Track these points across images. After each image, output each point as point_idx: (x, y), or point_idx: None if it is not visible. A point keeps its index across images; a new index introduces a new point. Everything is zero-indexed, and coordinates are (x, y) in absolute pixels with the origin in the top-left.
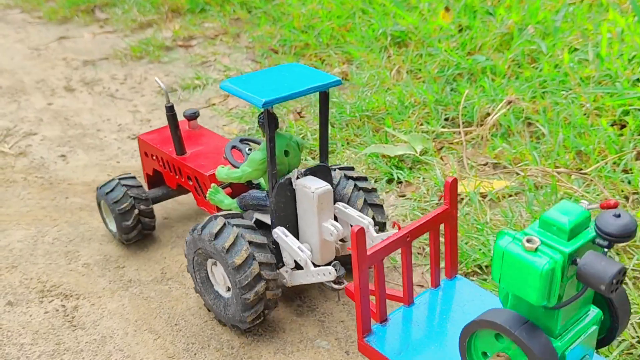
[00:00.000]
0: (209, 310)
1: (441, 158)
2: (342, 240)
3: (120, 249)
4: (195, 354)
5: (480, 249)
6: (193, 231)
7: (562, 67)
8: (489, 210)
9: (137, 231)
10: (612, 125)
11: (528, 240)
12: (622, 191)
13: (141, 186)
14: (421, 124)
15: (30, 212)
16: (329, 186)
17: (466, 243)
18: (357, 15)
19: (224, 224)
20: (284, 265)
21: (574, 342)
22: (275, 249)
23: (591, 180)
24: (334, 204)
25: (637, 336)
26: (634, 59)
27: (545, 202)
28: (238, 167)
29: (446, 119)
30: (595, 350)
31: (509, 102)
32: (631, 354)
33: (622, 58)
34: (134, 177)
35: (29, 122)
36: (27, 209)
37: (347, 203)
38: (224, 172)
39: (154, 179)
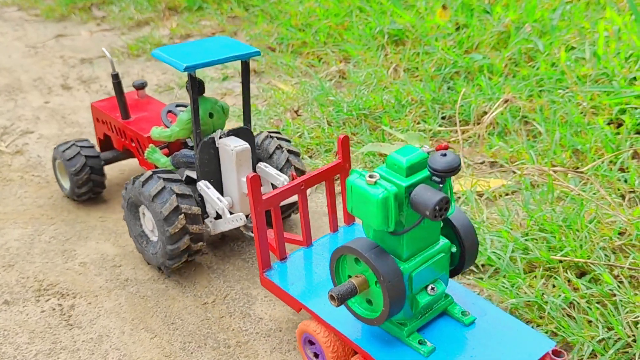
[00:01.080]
0: (140, 252)
1: None
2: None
3: (117, 248)
4: (191, 353)
5: None
6: (127, 184)
7: (559, 65)
8: (485, 209)
9: (87, 188)
10: (608, 123)
11: (370, 176)
12: (619, 190)
13: (93, 147)
14: (418, 123)
15: (27, 211)
16: (248, 145)
17: None
18: (355, 13)
19: (151, 175)
20: (208, 216)
21: (421, 266)
22: (201, 201)
23: (588, 179)
24: (257, 163)
25: (633, 335)
26: (630, 57)
27: (542, 200)
28: None
29: (443, 118)
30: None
31: (506, 101)
32: (627, 352)
33: (619, 56)
34: (87, 140)
35: (25, 121)
36: (23, 208)
37: (270, 159)
38: (157, 132)
39: (105, 143)
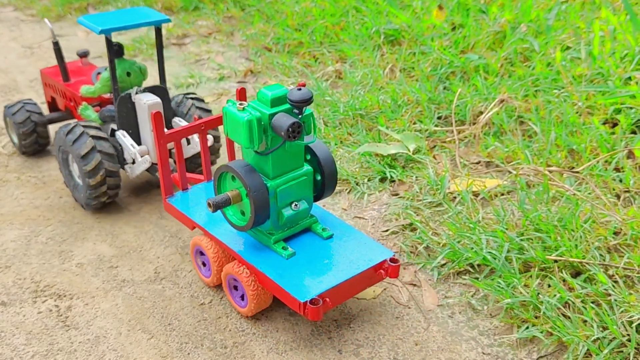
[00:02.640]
0: (73, 197)
1: (434, 157)
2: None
3: (114, 249)
4: (188, 354)
5: (472, 248)
6: (56, 132)
7: (555, 65)
8: (481, 208)
9: (31, 140)
10: (604, 123)
11: (240, 104)
12: (614, 189)
13: (36, 104)
14: (414, 123)
15: (23, 212)
16: (159, 99)
17: (458, 242)
18: (351, 13)
19: (74, 125)
20: (127, 163)
21: (285, 184)
22: (121, 150)
23: (583, 179)
24: (173, 118)
25: (628, 334)
26: (625, 57)
27: (537, 200)
28: None
29: (439, 118)
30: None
31: (502, 101)
32: (621, 352)
33: (614, 56)
34: (32, 100)
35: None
36: (20, 209)
37: (186, 116)
38: (84, 89)
39: (53, 106)
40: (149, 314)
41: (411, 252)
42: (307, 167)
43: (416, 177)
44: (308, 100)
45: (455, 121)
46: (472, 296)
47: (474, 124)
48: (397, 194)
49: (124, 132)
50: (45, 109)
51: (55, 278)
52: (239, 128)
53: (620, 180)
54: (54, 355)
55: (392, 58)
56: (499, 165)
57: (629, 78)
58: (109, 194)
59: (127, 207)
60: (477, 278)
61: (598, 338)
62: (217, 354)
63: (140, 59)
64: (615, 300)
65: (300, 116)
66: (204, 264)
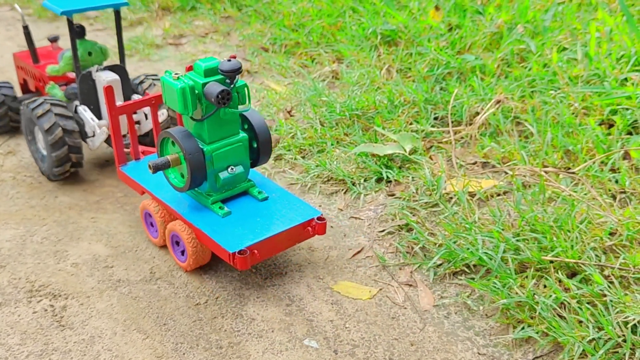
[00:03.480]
0: (39, 169)
1: (430, 157)
2: (137, 122)
3: (109, 248)
4: (184, 354)
5: (468, 248)
6: (22, 106)
7: (551, 66)
8: (477, 209)
9: (5, 121)
10: (600, 124)
11: (175, 74)
12: (610, 190)
13: (12, 88)
14: (411, 123)
15: (19, 211)
16: (117, 77)
17: (454, 242)
18: (348, 14)
19: (41, 100)
20: (89, 136)
21: (221, 149)
22: (84, 124)
23: (579, 180)
24: (132, 95)
25: (623, 335)
26: (622, 58)
27: (533, 201)
28: None
29: (435, 118)
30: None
31: (498, 102)
32: (617, 352)
33: (611, 57)
34: (8, 83)
35: (17, 121)
36: (15, 208)
37: (143, 94)
38: (49, 68)
39: (25, 87)
40: (144, 314)
41: (407, 252)
42: (242, 134)
43: (412, 177)
44: (237, 70)
45: (452, 122)
46: (468, 296)
47: (471, 124)
48: (393, 195)
49: (86, 107)
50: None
51: (51, 278)
52: (174, 95)
53: (616, 181)
54: (48, 355)
55: (388, 58)
56: (495, 165)
57: (625, 79)
58: (71, 167)
59: (122, 207)
60: (473, 278)
61: (594, 338)
62: (212, 354)
63: (136, 58)
64: (611, 300)
65: (232, 86)
66: (152, 225)
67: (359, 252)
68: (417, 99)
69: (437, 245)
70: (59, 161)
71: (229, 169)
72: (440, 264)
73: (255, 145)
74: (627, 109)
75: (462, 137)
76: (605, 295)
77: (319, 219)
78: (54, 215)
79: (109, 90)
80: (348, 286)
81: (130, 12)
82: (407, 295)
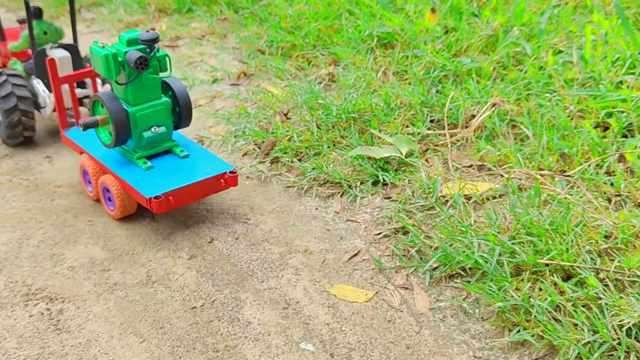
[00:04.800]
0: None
1: (426, 160)
2: (88, 97)
3: (105, 252)
4: (180, 357)
5: (464, 251)
6: None
7: (547, 69)
8: (473, 212)
9: None
10: (595, 127)
11: (100, 44)
12: (605, 193)
13: None
14: (407, 126)
15: (15, 215)
16: (68, 54)
17: (450, 245)
18: (344, 16)
19: (1, 72)
20: (42, 107)
21: (144, 111)
22: (38, 96)
23: (574, 183)
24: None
25: (618, 338)
26: (617, 61)
27: (529, 204)
28: None
29: (432, 121)
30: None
31: (494, 104)
32: (612, 355)
33: (606, 60)
34: None
35: None
36: (12, 211)
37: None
38: (10, 45)
39: None
40: (141, 318)
41: (403, 255)
42: (165, 99)
43: (409, 180)
44: (154, 40)
45: (448, 124)
46: (463, 299)
47: (466, 127)
48: (389, 197)
49: (39, 81)
50: None
51: (47, 281)
52: (99, 62)
53: (612, 184)
54: (45, 358)
55: (385, 61)
56: (491, 168)
57: (621, 82)
58: (24, 133)
59: None
60: (468, 281)
61: (589, 342)
62: (208, 358)
63: None
64: (606, 304)
65: (151, 54)
66: (89, 182)
67: (355, 255)
68: (413, 101)
69: (433, 248)
70: (12, 126)
71: (152, 129)
72: (436, 267)
73: (177, 110)
74: (623, 112)
75: (458, 140)
76: (600, 299)
77: (231, 172)
78: (50, 219)
79: (51, 62)
80: (344, 289)
81: (127, 14)
82: (403, 299)
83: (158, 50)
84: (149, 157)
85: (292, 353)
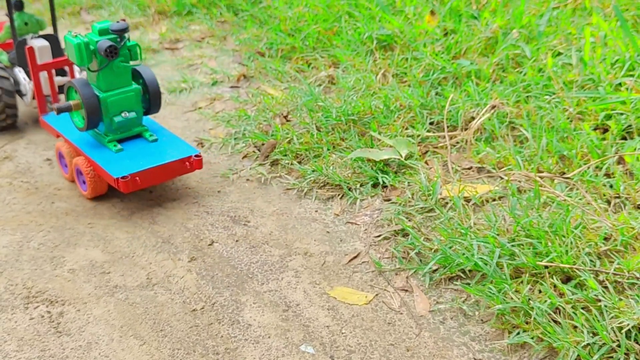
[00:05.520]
0: None
1: (426, 162)
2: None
3: (106, 254)
4: None
5: (463, 254)
6: None
7: (546, 71)
8: (472, 214)
9: None
10: (594, 129)
11: (74, 33)
12: (604, 195)
13: None
14: (406, 128)
15: (15, 217)
16: (48, 43)
17: (450, 247)
18: (344, 18)
19: None
20: (24, 94)
21: (115, 97)
22: (20, 85)
23: (574, 185)
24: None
25: (617, 340)
26: (616, 63)
27: (528, 206)
28: None
29: (431, 123)
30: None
31: (493, 107)
32: (611, 357)
33: (605, 62)
34: None
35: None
36: (12, 214)
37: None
38: None
39: None
40: (141, 320)
41: (403, 257)
42: (135, 86)
43: (408, 182)
44: (124, 30)
45: (447, 127)
46: (463, 302)
47: (466, 129)
48: (389, 200)
49: (21, 69)
50: None
51: (47, 284)
52: (72, 50)
53: (611, 186)
54: None
55: (384, 63)
56: (491, 170)
57: (620, 84)
58: (7, 120)
59: (119, 213)
60: (468, 284)
61: (588, 344)
62: None
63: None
64: (606, 306)
65: (121, 43)
66: (65, 165)
67: (355, 257)
68: (413, 104)
69: (432, 250)
70: None
71: (123, 114)
72: (436, 269)
73: (147, 97)
74: (622, 114)
75: (457, 142)
76: (599, 301)
77: (196, 156)
78: (50, 221)
79: (30, 50)
80: (344, 292)
81: (127, 17)
82: (403, 301)
83: (129, 39)
84: (120, 141)
85: (292, 355)
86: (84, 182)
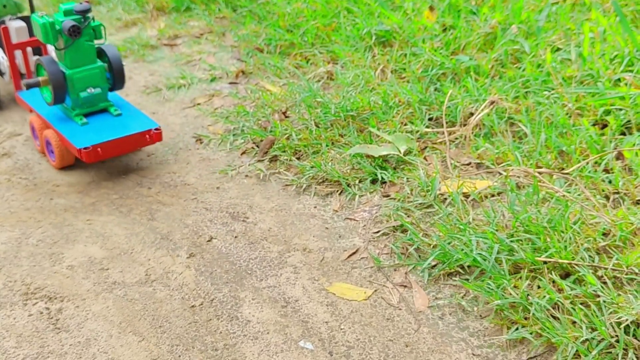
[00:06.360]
0: None
1: (425, 158)
2: None
3: (104, 251)
4: (179, 356)
5: (462, 249)
6: None
7: (545, 67)
8: (471, 210)
9: None
10: (593, 125)
11: (41, 13)
12: (603, 191)
13: None
14: (405, 124)
15: (14, 214)
16: (25, 24)
17: (449, 243)
18: (342, 14)
19: None
20: (4, 74)
21: (80, 73)
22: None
23: (572, 180)
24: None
25: (616, 335)
26: (615, 58)
27: (527, 202)
28: None
29: (430, 119)
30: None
31: (492, 102)
32: (610, 352)
33: (604, 58)
34: None
35: (12, 123)
36: (11, 211)
37: None
38: None
39: None
40: (140, 317)
41: (402, 253)
42: (100, 63)
43: (407, 178)
44: (87, 10)
45: (446, 122)
46: (462, 297)
47: (465, 125)
48: (388, 196)
49: (2, 51)
50: None
51: (46, 280)
52: (39, 30)
53: (610, 182)
54: (44, 358)
55: (383, 59)
56: (489, 166)
57: (619, 79)
58: None
59: (118, 209)
60: (467, 279)
61: (587, 339)
62: (208, 356)
63: (131, 59)
64: (604, 301)
65: (85, 23)
66: (37, 137)
67: (354, 253)
68: (412, 99)
69: (431, 246)
70: None
71: (88, 90)
72: (435, 265)
73: (103, 68)
74: (621, 110)
75: (456, 138)
76: (598, 296)
77: (156, 129)
78: (49, 218)
79: (5, 30)
80: (343, 287)
81: (125, 13)
82: (401, 297)
83: (93, 19)
84: (87, 115)
85: (291, 351)
86: (52, 153)
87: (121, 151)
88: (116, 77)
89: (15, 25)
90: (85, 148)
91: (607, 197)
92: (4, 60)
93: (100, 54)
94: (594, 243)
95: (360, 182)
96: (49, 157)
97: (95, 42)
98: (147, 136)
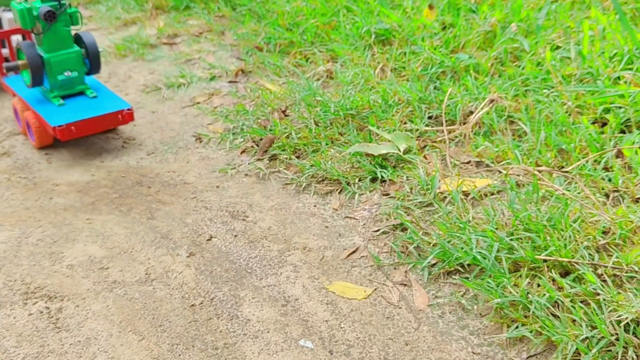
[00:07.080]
0: None
1: (424, 157)
2: None
3: (104, 250)
4: (179, 355)
5: (462, 248)
6: None
7: (545, 65)
8: (471, 208)
9: None
10: (593, 123)
11: (18, 1)
12: (603, 189)
13: None
14: (405, 123)
15: (14, 213)
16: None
17: (448, 241)
18: (342, 13)
19: None
20: None
21: (57, 57)
22: None
23: (572, 179)
24: None
25: (616, 334)
26: (615, 56)
27: (527, 200)
28: None
29: (430, 118)
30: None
31: (492, 101)
32: (610, 351)
33: (604, 56)
34: None
35: (12, 122)
36: (10, 210)
37: None
38: None
39: None
40: (140, 316)
41: (402, 252)
42: (76, 48)
43: (407, 177)
44: None
45: (446, 121)
46: (462, 296)
47: (464, 123)
48: (387, 194)
49: None
50: None
51: (46, 280)
52: (17, 15)
53: (610, 180)
54: (44, 357)
55: (382, 58)
56: (489, 165)
57: (618, 78)
58: None
59: (117, 208)
60: (467, 278)
61: (587, 337)
62: (208, 355)
63: (130, 58)
64: (604, 299)
65: (60, 9)
66: (20, 119)
67: (353, 252)
68: (411, 98)
69: (431, 244)
70: None
71: (66, 73)
72: (435, 264)
73: (80, 52)
74: (620, 108)
75: (456, 137)
76: (598, 294)
77: (128, 109)
78: (49, 217)
79: None
80: (343, 286)
81: (124, 12)
82: (401, 295)
83: (69, 6)
84: (64, 97)
85: (291, 350)
86: (32, 133)
87: (95, 130)
88: (92, 62)
89: (7, 16)
90: (59, 126)
91: (606, 195)
92: None
93: (79, 40)
94: (594, 241)
95: (360, 180)
96: (29, 138)
97: (72, 27)
98: (120, 116)
